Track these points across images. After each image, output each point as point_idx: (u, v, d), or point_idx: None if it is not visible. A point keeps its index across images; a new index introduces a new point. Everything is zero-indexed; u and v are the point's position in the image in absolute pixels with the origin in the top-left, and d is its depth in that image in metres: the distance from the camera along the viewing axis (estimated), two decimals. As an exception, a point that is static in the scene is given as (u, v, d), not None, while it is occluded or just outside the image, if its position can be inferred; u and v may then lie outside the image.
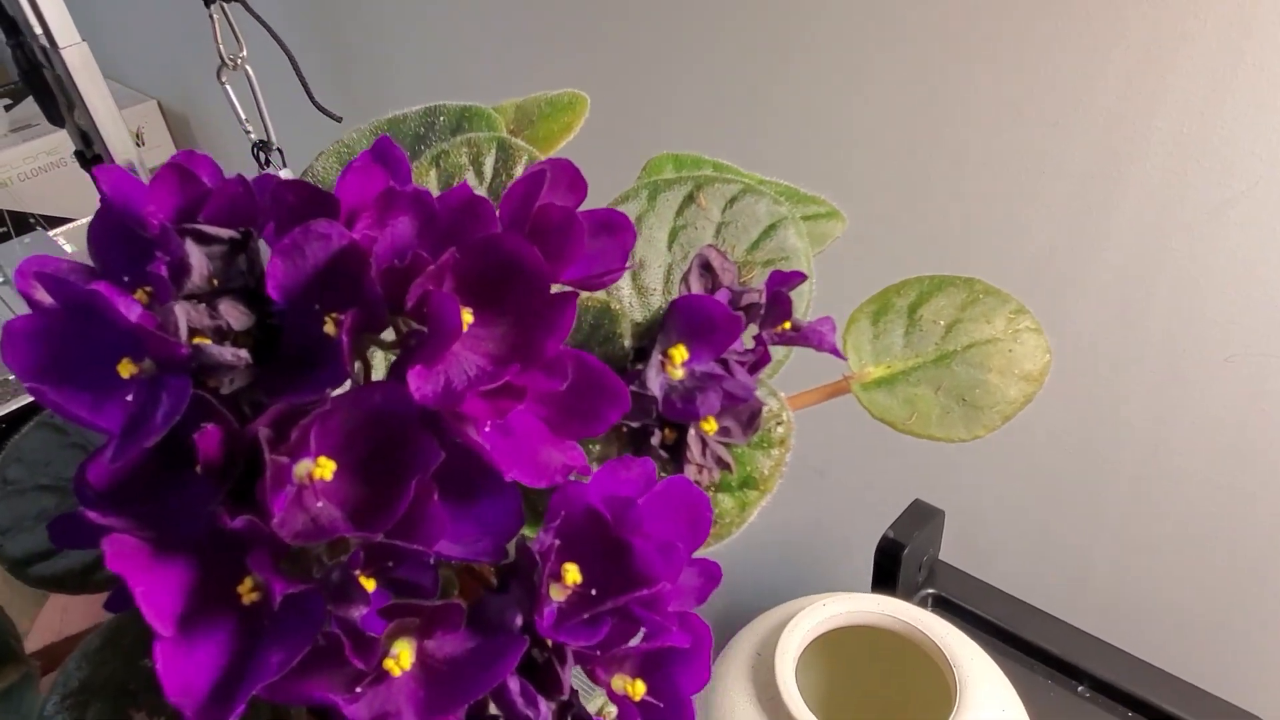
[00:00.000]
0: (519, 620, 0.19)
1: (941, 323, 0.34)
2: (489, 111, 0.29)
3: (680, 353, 0.23)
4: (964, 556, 0.84)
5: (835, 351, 0.28)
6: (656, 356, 0.23)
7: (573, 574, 0.19)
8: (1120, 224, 0.70)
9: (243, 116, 0.66)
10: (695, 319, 0.24)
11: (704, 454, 0.24)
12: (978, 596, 0.82)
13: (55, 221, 1.45)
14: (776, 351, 0.27)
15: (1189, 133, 0.63)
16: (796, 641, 0.52)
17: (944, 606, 0.81)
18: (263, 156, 0.68)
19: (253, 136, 0.67)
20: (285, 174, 0.66)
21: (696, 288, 0.24)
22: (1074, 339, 0.76)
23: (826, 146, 0.82)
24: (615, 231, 0.23)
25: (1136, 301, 0.72)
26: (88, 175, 0.88)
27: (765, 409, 0.26)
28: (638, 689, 0.19)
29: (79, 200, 1.44)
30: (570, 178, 0.22)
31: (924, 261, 0.83)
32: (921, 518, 0.81)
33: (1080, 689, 0.78)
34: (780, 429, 0.28)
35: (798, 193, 0.34)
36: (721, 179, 0.29)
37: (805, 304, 0.30)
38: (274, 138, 0.69)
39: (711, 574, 0.22)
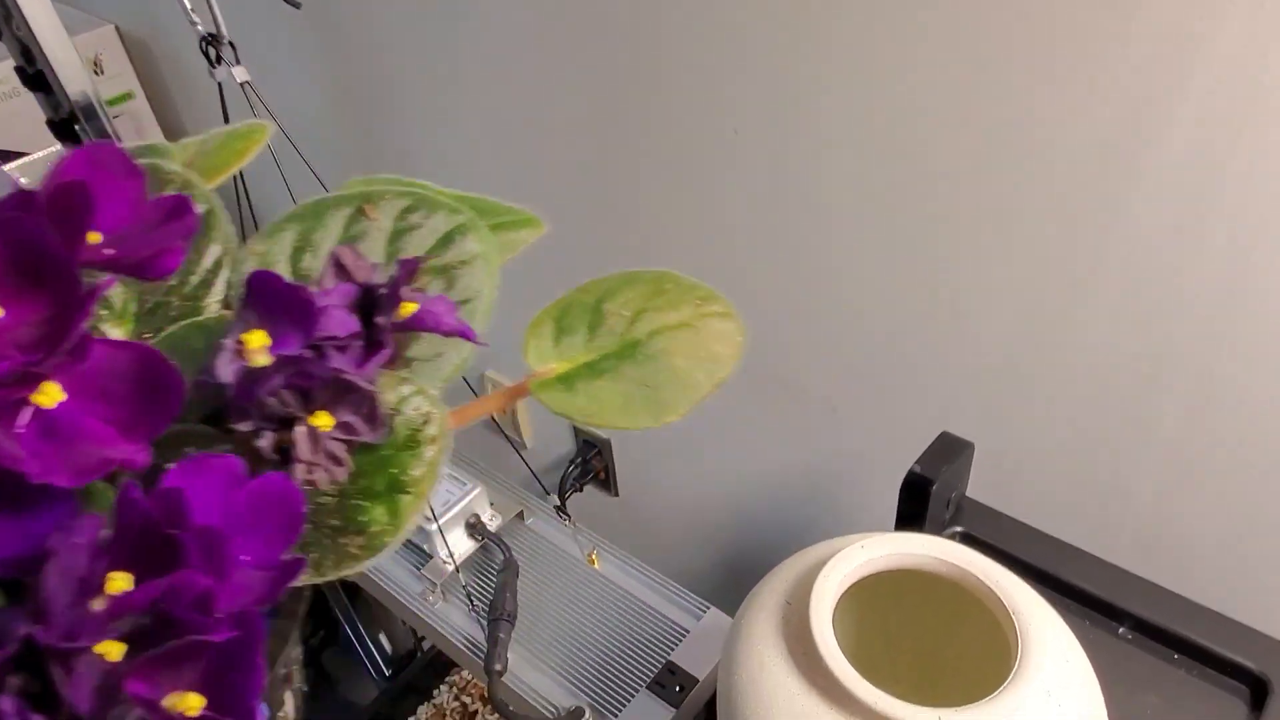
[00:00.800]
0: (20, 630, 0.18)
1: (627, 314, 0.31)
2: (166, 146, 0.29)
3: (259, 338, 0.22)
4: (993, 493, 0.79)
5: (461, 332, 0.26)
6: (229, 342, 0.22)
7: (119, 581, 0.19)
8: (1181, 125, 0.62)
9: (189, 6, 0.62)
10: (268, 300, 0.22)
11: (314, 451, 0.22)
12: (1010, 534, 0.77)
13: (8, 156, 1.31)
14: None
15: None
16: (833, 588, 0.49)
17: (974, 545, 0.76)
18: (213, 52, 0.63)
19: (200, 29, 0.62)
20: (239, 72, 0.62)
21: (330, 285, 0.23)
22: (1124, 249, 0.68)
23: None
24: (179, 215, 0.22)
25: (1194, 209, 0.64)
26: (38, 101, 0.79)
27: (411, 407, 0.25)
28: (191, 703, 0.18)
29: (35, 133, 1.34)
30: (124, 165, 0.21)
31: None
32: (949, 451, 0.76)
33: (1121, 630, 0.72)
34: (430, 429, 0.26)
35: (489, 204, 0.33)
36: (394, 191, 0.28)
37: (485, 307, 0.28)
38: (224, 30, 0.64)
39: (291, 570, 0.20)
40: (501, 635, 0.71)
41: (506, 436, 1.47)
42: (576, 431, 1.33)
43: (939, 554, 0.50)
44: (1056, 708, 0.45)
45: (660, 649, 0.73)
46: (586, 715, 0.68)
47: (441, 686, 1.28)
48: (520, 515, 0.84)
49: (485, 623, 0.72)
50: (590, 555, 0.80)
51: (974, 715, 0.43)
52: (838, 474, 1.01)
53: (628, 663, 0.72)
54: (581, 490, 1.37)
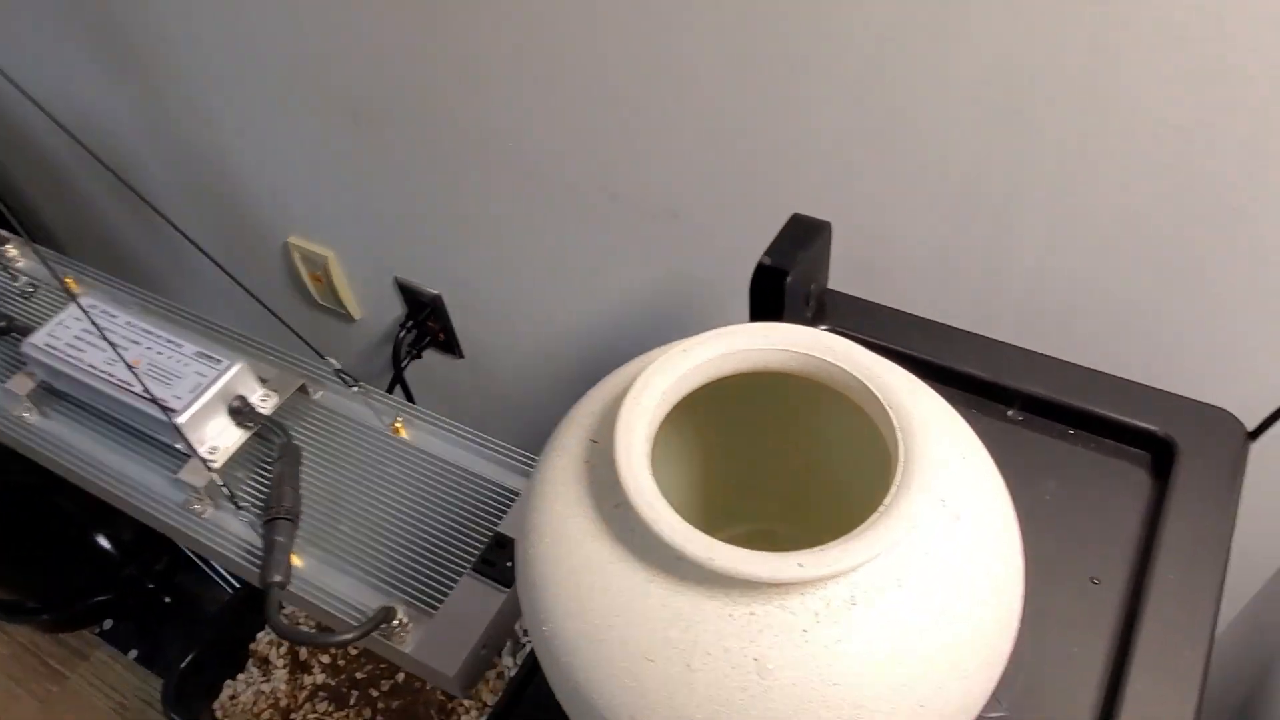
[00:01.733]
0: None
1: None
2: None
3: None
4: (860, 284, 0.66)
5: None
6: None
7: None
8: None
9: None
10: None
11: None
12: (881, 324, 0.65)
13: None
14: None
15: None
16: (647, 411, 0.34)
17: (841, 343, 0.64)
18: None
19: None
20: None
21: None
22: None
23: None
24: None
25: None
26: None
27: None
28: None
29: None
30: None
31: None
32: (803, 235, 0.63)
33: (1011, 412, 0.62)
34: None
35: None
36: None
37: None
38: None
39: None
40: (279, 538, 0.55)
41: (330, 310, 1.28)
42: (403, 290, 1.15)
43: (785, 344, 0.36)
44: (955, 520, 0.33)
45: (486, 521, 0.59)
46: (399, 615, 0.55)
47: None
48: (304, 390, 0.67)
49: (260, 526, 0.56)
50: (395, 424, 0.65)
51: (848, 550, 0.30)
52: (690, 288, 0.87)
53: (448, 544, 0.58)
54: (421, 357, 1.21)
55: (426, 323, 1.16)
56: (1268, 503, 0.65)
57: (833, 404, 0.40)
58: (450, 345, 1.17)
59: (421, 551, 0.58)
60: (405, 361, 1.16)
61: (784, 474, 0.47)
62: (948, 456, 0.34)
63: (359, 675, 1.01)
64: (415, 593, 0.57)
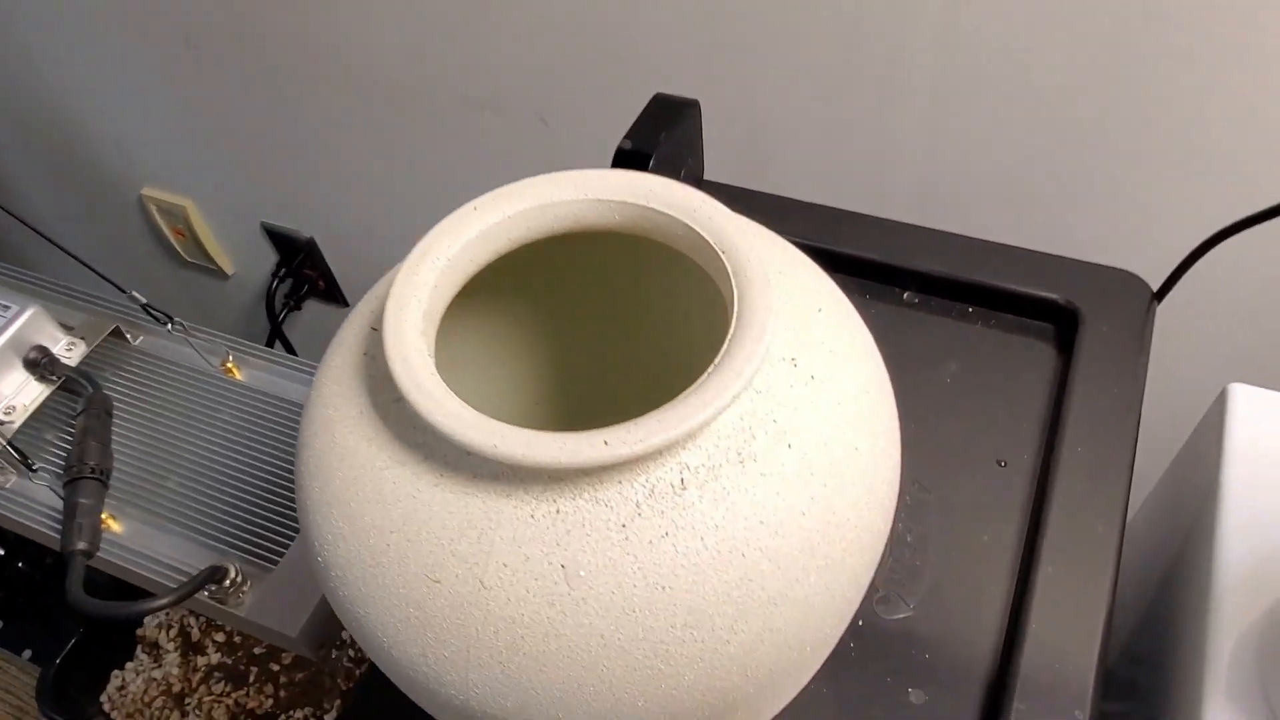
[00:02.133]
0: None
1: None
2: None
3: None
4: (737, 172, 0.60)
5: None
6: None
7: None
8: None
9: None
10: None
11: None
12: (763, 210, 0.59)
13: None
14: None
15: None
16: (422, 288, 0.27)
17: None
18: None
19: None
20: None
21: None
22: None
23: None
24: None
25: None
26: None
27: None
28: None
29: None
30: None
31: None
32: (667, 115, 0.56)
33: (906, 295, 0.57)
34: None
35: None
36: None
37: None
38: None
39: None
40: (83, 500, 0.48)
41: (200, 268, 1.17)
42: (272, 236, 1.05)
43: (601, 192, 0.29)
44: (809, 381, 0.27)
45: (330, 460, 0.51)
46: (232, 572, 0.47)
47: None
48: (122, 336, 0.58)
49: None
50: (225, 364, 0.57)
51: (669, 420, 0.24)
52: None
53: (290, 492, 0.51)
54: (300, 308, 1.11)
55: (302, 270, 1.06)
56: (1178, 367, 0.61)
57: (682, 271, 0.34)
58: (332, 293, 1.09)
59: (259, 502, 0.51)
60: (282, 314, 1.07)
61: (635, 366, 0.40)
62: (799, 308, 0.28)
63: (257, 651, 0.94)
64: (253, 548, 0.49)
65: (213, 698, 0.92)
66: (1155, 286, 0.53)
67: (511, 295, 0.37)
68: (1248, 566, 0.42)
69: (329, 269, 1.06)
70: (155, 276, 1.23)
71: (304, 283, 1.08)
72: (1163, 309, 0.53)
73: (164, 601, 0.44)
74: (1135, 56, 0.53)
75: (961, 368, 0.53)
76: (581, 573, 0.24)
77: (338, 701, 0.91)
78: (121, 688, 0.96)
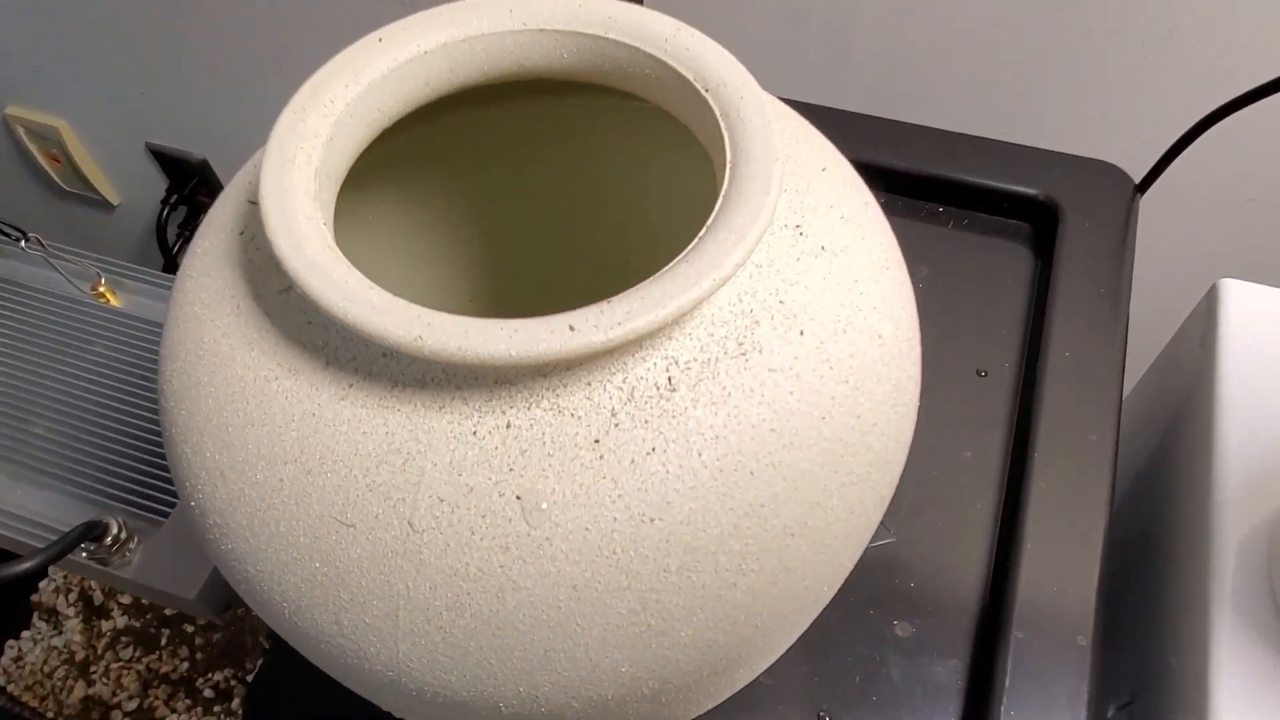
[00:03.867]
0: None
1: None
2: None
3: None
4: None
5: None
6: None
7: None
8: None
9: None
10: None
11: None
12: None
13: None
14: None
15: None
16: (313, 140, 0.20)
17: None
18: None
19: None
20: None
21: None
22: None
23: None
24: None
25: None
26: None
27: None
28: None
29: None
30: None
31: None
32: None
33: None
34: None
35: None
36: None
37: None
38: None
39: None
40: (-79, 448, 0.39)
41: (81, 197, 1.05)
42: (160, 159, 0.94)
43: (542, 20, 0.23)
44: (819, 254, 0.21)
45: (227, 394, 0.44)
46: (114, 528, 0.40)
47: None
48: (-31, 259, 0.49)
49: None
50: (98, 289, 0.48)
51: (654, 297, 0.18)
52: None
53: (179, 429, 0.43)
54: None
55: (196, 196, 0.96)
56: (1160, 262, 0.58)
57: (653, 131, 0.28)
58: (232, 222, 0.98)
59: (144, 447, 0.43)
60: (176, 246, 0.96)
61: (595, 244, 0.34)
62: (801, 170, 0.22)
63: (168, 612, 0.86)
64: (139, 500, 0.42)
65: (121, 664, 0.84)
66: (1137, 178, 0.48)
67: (428, 170, 0.30)
68: (1250, 471, 0.39)
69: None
70: (30, 208, 1.10)
71: (199, 210, 0.97)
72: (1146, 199, 0.48)
73: (28, 565, 0.36)
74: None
75: (932, 272, 0.48)
76: (544, 505, 0.18)
77: (260, 660, 0.84)
78: (18, 659, 0.87)
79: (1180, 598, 0.40)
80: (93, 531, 0.39)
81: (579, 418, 0.18)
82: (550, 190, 0.32)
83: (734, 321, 0.19)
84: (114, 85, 0.89)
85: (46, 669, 0.85)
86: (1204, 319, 0.45)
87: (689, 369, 0.19)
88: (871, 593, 0.38)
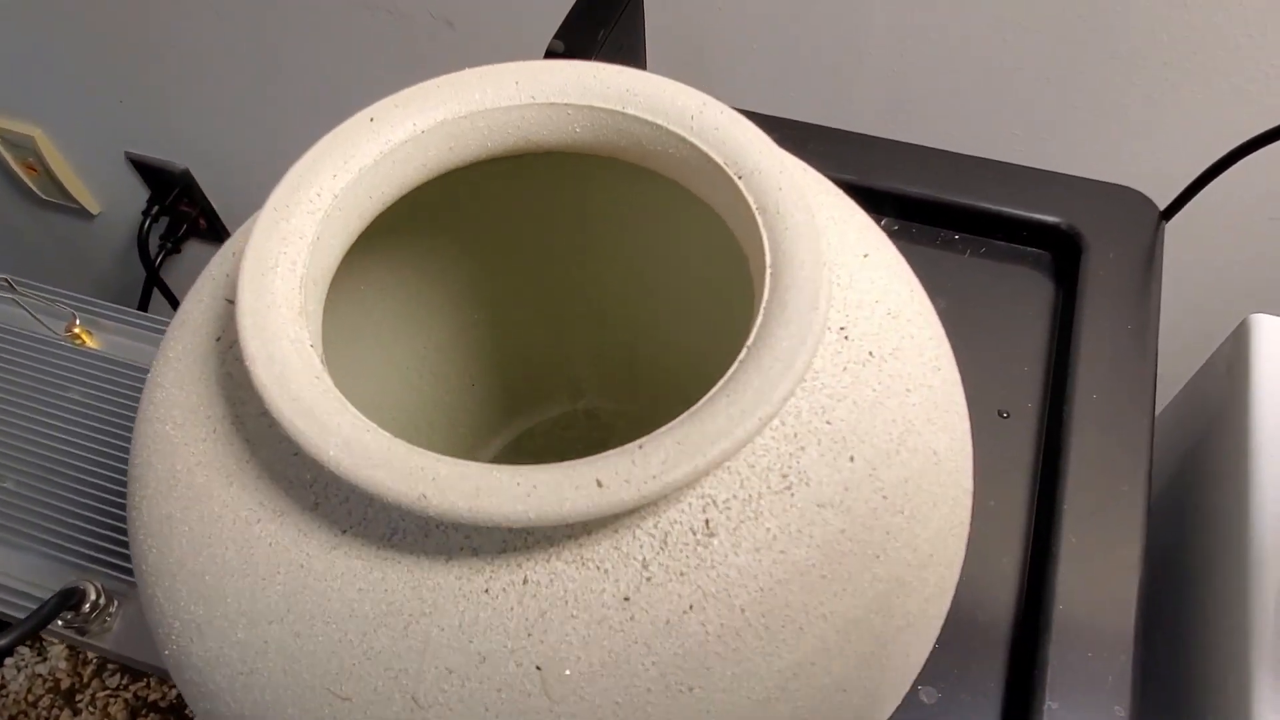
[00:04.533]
0: None
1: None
2: None
3: None
4: (680, 77, 0.51)
5: None
6: None
7: None
8: None
9: None
10: None
11: None
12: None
13: None
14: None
15: None
16: (295, 244, 0.18)
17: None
18: None
19: None
20: None
21: None
22: None
23: None
24: None
25: None
26: None
27: None
28: None
29: None
30: None
31: None
32: (602, 10, 0.47)
33: (884, 222, 0.49)
34: None
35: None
36: None
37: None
38: None
39: None
40: (-118, 515, 0.37)
41: (60, 207, 1.01)
42: (140, 169, 0.91)
43: (555, 93, 0.20)
44: (866, 361, 0.19)
45: (211, 445, 0.41)
46: (92, 594, 0.38)
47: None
48: (-65, 298, 0.46)
49: None
50: (73, 330, 0.46)
51: (693, 439, 0.16)
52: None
53: (160, 484, 0.41)
54: (180, 251, 0.98)
55: (179, 207, 0.92)
56: (1183, 291, 0.56)
57: (665, 202, 0.25)
58: (215, 231, 0.95)
59: (123, 503, 0.41)
60: (159, 257, 0.93)
61: (601, 321, 0.31)
62: (843, 250, 0.20)
63: (157, 635, 0.84)
64: (117, 561, 0.40)
65: (108, 692, 0.82)
66: (1162, 205, 0.46)
67: (420, 233, 0.28)
68: (1289, 522, 0.37)
69: (209, 204, 0.92)
70: (7, 220, 1.07)
71: (182, 221, 0.94)
72: (1171, 226, 0.46)
73: (2, 642, 0.34)
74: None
75: (949, 305, 0.45)
76: (567, 673, 0.15)
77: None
78: (1, 687, 0.85)
79: (1216, 657, 0.38)
80: (70, 600, 0.37)
81: (606, 571, 0.16)
82: (549, 247, 0.29)
83: (777, 449, 0.17)
84: (92, 94, 0.86)
85: (31, 697, 0.83)
86: (1232, 354, 0.43)
87: (728, 509, 0.16)
88: (894, 655, 0.36)
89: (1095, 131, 0.53)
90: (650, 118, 0.20)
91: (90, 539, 0.40)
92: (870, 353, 0.19)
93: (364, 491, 0.15)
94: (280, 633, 0.16)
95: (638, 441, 0.15)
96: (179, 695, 0.85)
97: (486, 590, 0.16)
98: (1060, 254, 0.46)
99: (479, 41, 0.62)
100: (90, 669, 0.87)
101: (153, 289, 0.94)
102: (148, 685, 0.86)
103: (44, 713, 0.87)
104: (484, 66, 0.20)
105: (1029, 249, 0.47)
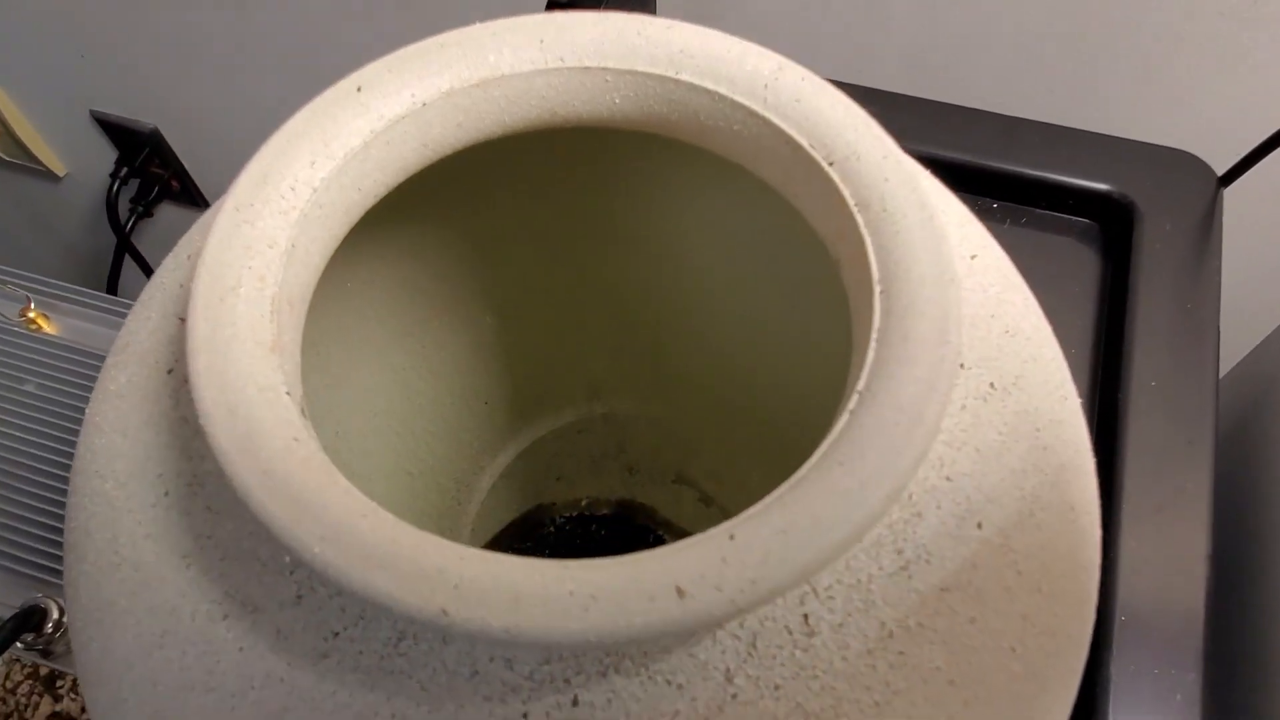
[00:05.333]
0: None
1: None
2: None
3: None
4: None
5: None
6: None
7: None
8: None
9: None
10: None
11: None
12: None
13: None
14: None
15: None
16: (263, 255, 0.14)
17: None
18: None
19: None
20: None
21: None
22: None
23: None
24: None
25: None
26: None
27: None
28: None
29: None
30: None
31: None
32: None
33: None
34: None
35: None
36: None
37: None
38: None
39: None
40: None
41: (24, 169, 0.96)
42: (107, 128, 0.85)
43: (584, 56, 0.16)
44: (989, 393, 0.15)
45: (184, 444, 0.37)
46: (54, 610, 0.34)
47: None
48: (-127, 278, 0.42)
49: None
50: (28, 314, 0.41)
51: (799, 523, 0.12)
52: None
53: (129, 487, 0.37)
54: (152, 214, 0.92)
55: (149, 168, 0.87)
56: (1247, 260, 0.52)
57: (705, 180, 0.21)
58: (189, 194, 0.90)
59: (88, 506, 0.37)
60: (129, 222, 0.88)
61: (619, 315, 0.27)
62: (958, 268, 0.16)
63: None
64: (84, 572, 0.36)
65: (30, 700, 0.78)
66: (1220, 170, 0.42)
67: (416, 218, 0.24)
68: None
69: (181, 165, 0.87)
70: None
71: (153, 183, 0.88)
72: (1230, 192, 0.43)
73: (-53, 678, 0.30)
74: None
75: (989, 279, 0.42)
76: (632, 824, 0.12)
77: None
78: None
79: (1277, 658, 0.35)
80: (30, 620, 0.33)
81: (680, 688, 0.12)
82: (567, 233, 0.25)
83: (889, 518, 0.13)
84: (53, 49, 0.79)
85: (10, 684, 0.80)
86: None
87: (831, 599, 0.13)
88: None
89: (1146, 90, 0.49)
90: (712, 86, 0.15)
91: (50, 549, 0.36)
92: (991, 384, 0.15)
93: (353, 592, 0.11)
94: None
95: (726, 528, 0.11)
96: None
97: (525, 716, 0.12)
98: (1110, 224, 0.42)
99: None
100: (24, 672, 0.84)
101: (124, 256, 0.89)
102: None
103: (24, 699, 0.84)
104: (499, 20, 0.16)
105: (1075, 219, 0.43)
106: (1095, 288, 0.41)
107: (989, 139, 0.44)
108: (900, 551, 0.13)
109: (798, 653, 0.12)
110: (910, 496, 0.13)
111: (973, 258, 0.16)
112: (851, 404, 0.12)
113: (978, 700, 0.13)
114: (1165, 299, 0.39)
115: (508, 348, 0.26)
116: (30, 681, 0.84)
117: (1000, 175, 0.43)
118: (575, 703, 0.12)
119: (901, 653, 0.13)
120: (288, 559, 0.13)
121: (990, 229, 0.45)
